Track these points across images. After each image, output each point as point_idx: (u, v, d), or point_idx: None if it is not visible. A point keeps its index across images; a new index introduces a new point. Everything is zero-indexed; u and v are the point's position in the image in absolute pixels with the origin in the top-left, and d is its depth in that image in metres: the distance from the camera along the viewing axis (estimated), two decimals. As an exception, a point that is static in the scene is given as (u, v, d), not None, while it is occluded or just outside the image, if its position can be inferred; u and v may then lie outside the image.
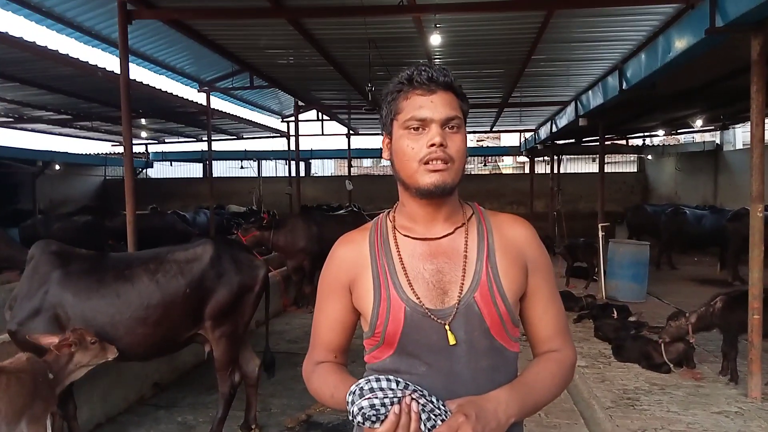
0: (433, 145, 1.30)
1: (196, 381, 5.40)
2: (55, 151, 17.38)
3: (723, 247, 10.44)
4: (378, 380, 1.18)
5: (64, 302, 3.59)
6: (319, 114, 16.42)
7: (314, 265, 8.69)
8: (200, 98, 12.32)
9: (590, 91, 9.73)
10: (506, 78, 11.27)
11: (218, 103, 13.73)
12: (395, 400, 1.15)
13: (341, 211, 12.35)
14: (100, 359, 3.45)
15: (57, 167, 16.56)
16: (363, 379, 1.20)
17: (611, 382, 5.10)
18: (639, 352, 5.50)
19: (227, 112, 14.31)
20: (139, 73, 20.16)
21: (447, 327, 1.32)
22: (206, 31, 8.28)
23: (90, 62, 8.59)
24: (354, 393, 1.17)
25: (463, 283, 1.35)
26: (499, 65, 10.31)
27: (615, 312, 6.92)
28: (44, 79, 10.24)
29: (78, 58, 8.37)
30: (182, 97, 12.10)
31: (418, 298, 1.34)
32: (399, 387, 1.17)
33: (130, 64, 6.55)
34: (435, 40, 7.93)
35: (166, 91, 11.28)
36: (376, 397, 1.14)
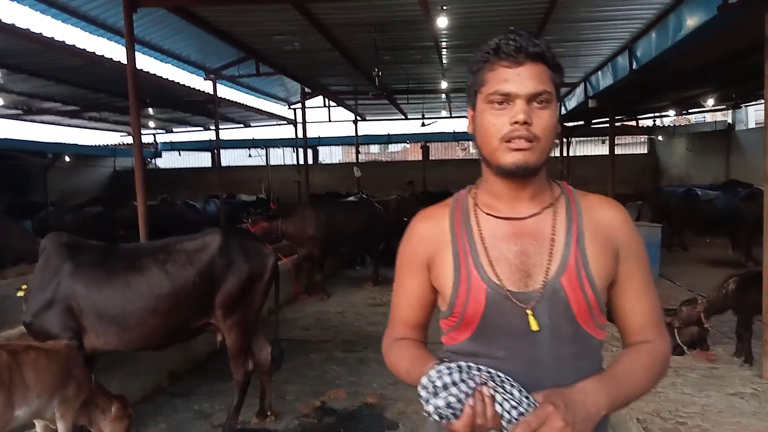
0: (516, 122, 1.22)
1: (211, 369, 5.44)
2: (64, 143, 17.51)
3: (736, 227, 10.34)
4: (450, 372, 1.14)
5: (76, 293, 3.62)
6: (326, 100, 16.35)
7: (324, 252, 8.71)
8: (207, 86, 12.29)
9: (600, 72, 9.64)
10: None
11: (225, 91, 13.73)
12: (470, 392, 1.12)
13: (350, 198, 12.34)
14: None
15: (67, 159, 16.70)
16: (434, 370, 1.15)
17: (624, 364, 5.07)
18: (652, 334, 5.47)
19: (234, 100, 14.29)
20: (145, 62, 20.15)
21: (529, 312, 1.26)
22: (211, 18, 8.23)
23: (97, 52, 8.58)
24: (426, 389, 1.13)
25: (549, 267, 1.28)
26: (506, 47, 10.19)
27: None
28: (52, 71, 10.24)
29: (85, 49, 8.36)
30: (189, 86, 12.07)
31: (500, 280, 1.28)
32: (472, 374, 1.14)
33: (136, 54, 6.53)
34: (442, 22, 7.84)
35: (172, 80, 11.25)
36: (451, 395, 1.11)
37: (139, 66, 6.73)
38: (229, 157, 23.22)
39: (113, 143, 22.72)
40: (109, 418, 3.38)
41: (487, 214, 1.35)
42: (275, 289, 4.37)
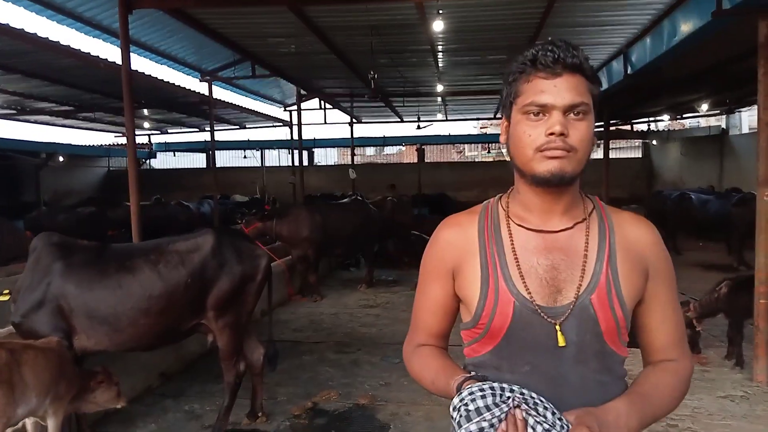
0: (552, 133, 1.20)
1: (202, 370, 5.42)
2: (58, 143, 17.43)
3: (729, 232, 10.39)
4: (483, 395, 1.12)
5: (67, 294, 3.60)
6: (322, 103, 16.35)
7: (318, 253, 8.70)
8: (202, 88, 12.28)
9: (594, 77, 9.65)
10: (509, 64, 11.20)
11: (220, 93, 13.69)
12: (503, 417, 1.10)
13: (344, 200, 12.35)
14: (112, 403, 3.57)
15: (60, 159, 16.62)
16: (466, 392, 1.14)
17: (616, 368, 5.09)
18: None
19: (229, 101, 14.28)
20: (140, 63, 20.10)
21: (557, 327, 1.25)
22: (207, 20, 8.23)
23: (91, 53, 8.55)
24: (459, 412, 1.12)
25: (580, 284, 1.26)
26: (502, 51, 10.21)
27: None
28: (46, 71, 10.21)
29: (79, 49, 8.33)
30: (184, 87, 12.04)
31: (530, 294, 1.26)
32: (505, 396, 1.12)
33: (132, 55, 6.51)
34: (438, 26, 7.86)
35: (168, 82, 11.23)
36: (484, 419, 1.10)
37: (134, 67, 6.71)
38: (225, 158, 23.17)
39: (107, 144, 22.66)
40: (98, 390, 3.48)
41: (518, 225, 1.33)
42: (268, 290, 4.35)
